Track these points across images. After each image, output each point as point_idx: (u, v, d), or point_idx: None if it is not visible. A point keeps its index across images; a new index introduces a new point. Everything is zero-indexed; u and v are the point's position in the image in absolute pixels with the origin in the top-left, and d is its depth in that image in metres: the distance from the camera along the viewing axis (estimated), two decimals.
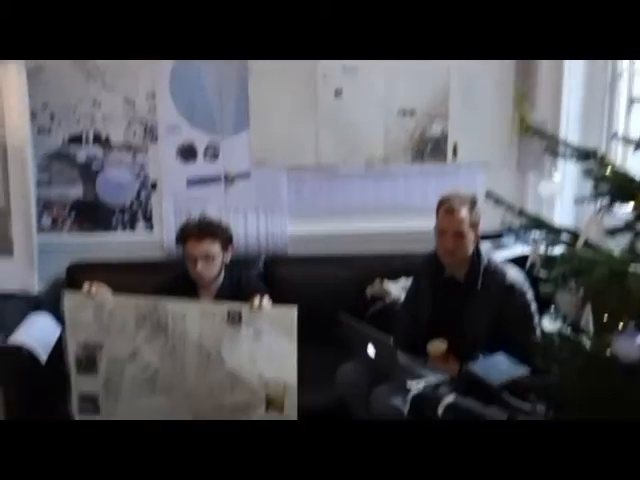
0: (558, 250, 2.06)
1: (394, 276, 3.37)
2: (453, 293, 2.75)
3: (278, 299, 2.59)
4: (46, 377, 2.87)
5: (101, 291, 2.58)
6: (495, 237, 3.30)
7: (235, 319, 2.52)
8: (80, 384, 2.65)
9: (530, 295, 2.65)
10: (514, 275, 2.68)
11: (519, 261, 2.85)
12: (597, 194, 1.89)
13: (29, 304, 3.15)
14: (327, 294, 3.34)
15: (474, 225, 2.66)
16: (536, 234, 2.11)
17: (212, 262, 2.74)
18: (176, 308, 2.56)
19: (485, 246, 2.81)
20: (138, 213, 3.59)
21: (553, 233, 2.08)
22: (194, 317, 2.55)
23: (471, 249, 2.69)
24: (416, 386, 2.50)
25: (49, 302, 3.22)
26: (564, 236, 2.05)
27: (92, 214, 3.55)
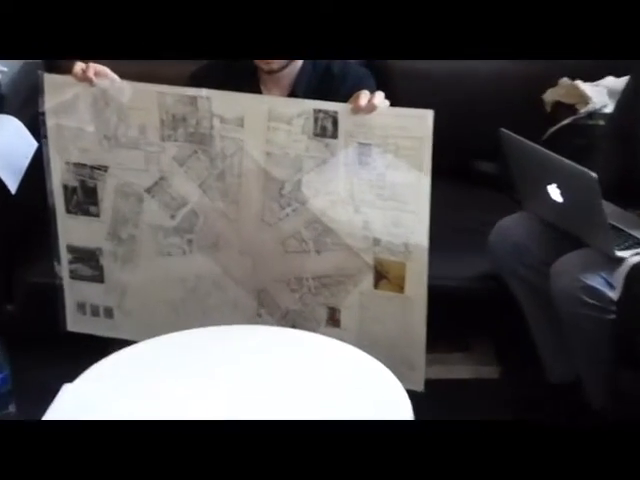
0: None
1: (592, 75, 2.28)
2: None
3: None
4: (18, 216, 2.17)
5: (103, 75, 1.83)
6: None
7: (326, 129, 1.73)
8: (71, 230, 1.98)
9: None
10: None
11: None
12: None
13: None
14: (476, 101, 2.31)
15: None
16: None
17: None
18: (227, 106, 1.79)
19: None
20: None
21: None
22: (257, 123, 1.79)
23: None
24: (633, 255, 1.76)
25: (16, 100, 2.39)
26: None
27: None
